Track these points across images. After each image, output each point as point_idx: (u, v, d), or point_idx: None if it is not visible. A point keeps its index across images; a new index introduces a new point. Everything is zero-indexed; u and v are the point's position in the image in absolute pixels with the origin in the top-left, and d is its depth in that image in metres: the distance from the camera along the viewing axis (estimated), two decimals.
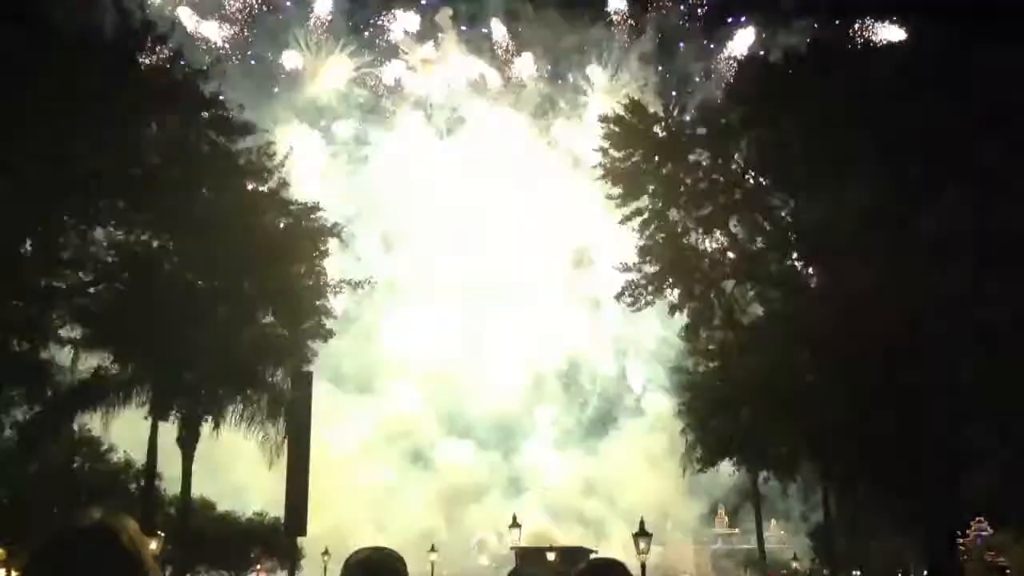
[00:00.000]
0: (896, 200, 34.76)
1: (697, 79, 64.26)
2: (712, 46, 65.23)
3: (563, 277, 74.55)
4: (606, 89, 70.45)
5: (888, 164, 35.08)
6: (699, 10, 67.60)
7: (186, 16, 63.80)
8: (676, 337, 63.50)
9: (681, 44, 69.02)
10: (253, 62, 68.54)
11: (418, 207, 73.01)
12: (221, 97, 38.75)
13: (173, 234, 38.45)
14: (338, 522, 53.05)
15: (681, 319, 42.28)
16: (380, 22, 72.12)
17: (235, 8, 68.77)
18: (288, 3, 71.36)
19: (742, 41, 63.54)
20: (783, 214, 39.23)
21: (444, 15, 73.77)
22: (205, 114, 38.31)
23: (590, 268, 73.27)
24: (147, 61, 36.71)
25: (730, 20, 64.87)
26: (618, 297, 40.26)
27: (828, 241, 36.63)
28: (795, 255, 39.51)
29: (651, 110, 42.40)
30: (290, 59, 70.56)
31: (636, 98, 44.49)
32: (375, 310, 69.12)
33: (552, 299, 73.29)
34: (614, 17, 71.63)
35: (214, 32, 65.82)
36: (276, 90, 70.32)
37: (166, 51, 37.15)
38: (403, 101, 73.61)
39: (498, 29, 73.10)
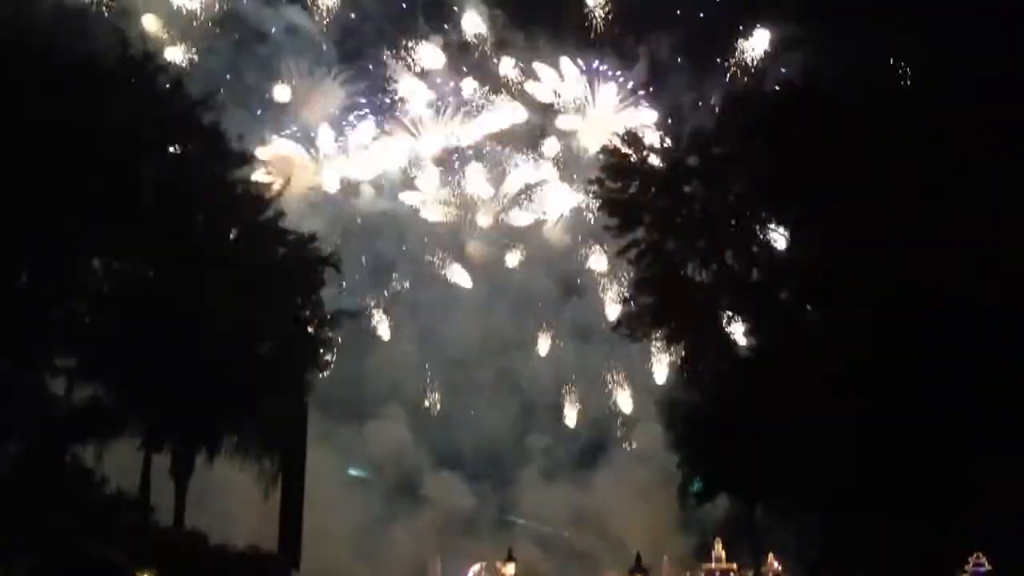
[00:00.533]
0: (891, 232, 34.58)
1: (700, 103, 64.12)
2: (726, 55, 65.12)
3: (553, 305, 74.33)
4: (598, 118, 70.42)
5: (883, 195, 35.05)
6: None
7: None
8: (668, 367, 64.18)
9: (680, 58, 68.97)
10: (228, 76, 67.49)
11: (410, 233, 73.02)
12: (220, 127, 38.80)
13: (169, 264, 38.29)
14: (330, 554, 52.67)
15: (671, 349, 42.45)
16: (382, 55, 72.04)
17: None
18: (274, 29, 71.11)
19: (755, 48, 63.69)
20: (779, 247, 39.30)
21: (436, 42, 73.65)
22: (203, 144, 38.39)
23: (581, 296, 73.24)
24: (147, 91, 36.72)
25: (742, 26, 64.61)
26: (615, 328, 40.36)
27: (823, 275, 36.80)
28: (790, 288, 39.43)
29: (645, 138, 42.68)
30: (281, 92, 70.30)
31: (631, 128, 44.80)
32: (365, 337, 68.71)
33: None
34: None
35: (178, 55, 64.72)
36: (260, 112, 69.63)
37: (165, 82, 37.22)
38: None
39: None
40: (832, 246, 35.96)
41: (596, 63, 71.62)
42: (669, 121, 59.26)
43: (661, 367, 64.37)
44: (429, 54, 72.61)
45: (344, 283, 61.07)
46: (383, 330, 71.32)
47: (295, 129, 70.55)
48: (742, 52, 64.73)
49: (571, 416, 71.27)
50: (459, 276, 72.77)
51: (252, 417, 39.99)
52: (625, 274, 54.86)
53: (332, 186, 70.20)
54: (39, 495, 34.72)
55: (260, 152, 59.68)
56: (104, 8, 58.61)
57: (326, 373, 43.47)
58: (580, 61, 71.64)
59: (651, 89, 69.69)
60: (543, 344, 72.62)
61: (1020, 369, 30.73)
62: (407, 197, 72.26)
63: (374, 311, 67.99)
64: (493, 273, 73.15)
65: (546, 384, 71.62)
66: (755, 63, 63.80)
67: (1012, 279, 31.13)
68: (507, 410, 70.07)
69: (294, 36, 70.95)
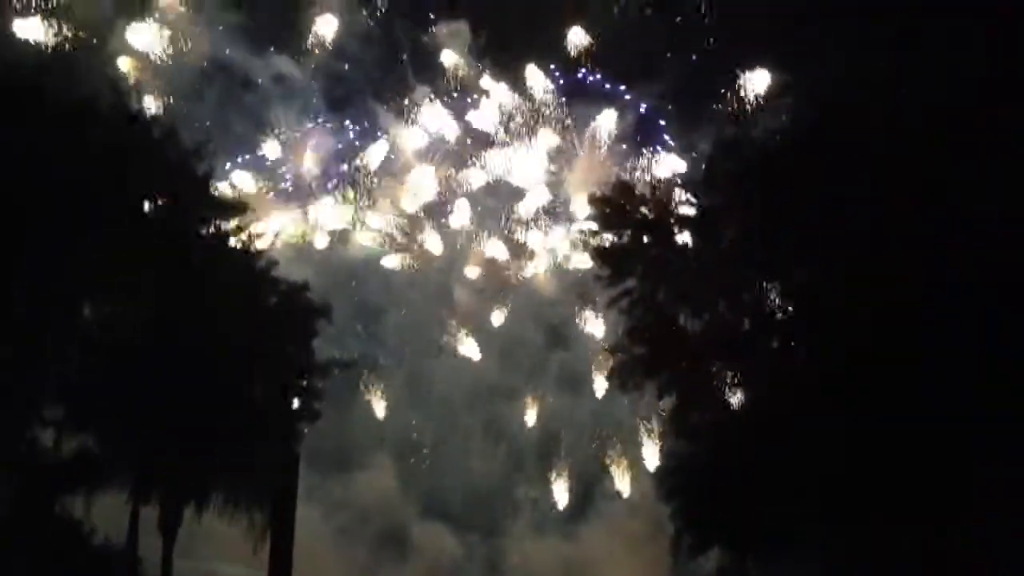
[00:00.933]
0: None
1: (694, 154, 64.51)
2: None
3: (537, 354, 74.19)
4: (587, 167, 70.72)
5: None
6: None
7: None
8: (655, 416, 63.99)
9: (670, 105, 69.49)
10: (209, 123, 67.38)
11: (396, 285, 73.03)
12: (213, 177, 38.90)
13: (161, 313, 38.09)
14: None
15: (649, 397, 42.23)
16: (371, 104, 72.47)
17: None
18: (260, 80, 71.37)
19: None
20: (771, 296, 39.28)
21: (422, 92, 73.98)
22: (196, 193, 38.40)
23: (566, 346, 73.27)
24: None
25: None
26: (608, 379, 40.25)
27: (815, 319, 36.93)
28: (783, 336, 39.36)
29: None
30: (271, 148, 70.53)
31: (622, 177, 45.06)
32: (350, 386, 68.41)
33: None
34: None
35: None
36: (241, 159, 69.74)
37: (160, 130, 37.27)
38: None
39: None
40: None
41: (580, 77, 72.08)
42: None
43: (651, 453, 64.13)
44: (417, 103, 72.99)
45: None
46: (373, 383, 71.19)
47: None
48: (731, 98, 65.15)
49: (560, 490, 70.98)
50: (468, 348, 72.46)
51: (242, 469, 39.67)
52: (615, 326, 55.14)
53: (321, 240, 70.23)
54: (27, 546, 34.45)
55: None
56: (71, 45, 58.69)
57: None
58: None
59: (639, 137, 70.06)
60: (531, 408, 72.52)
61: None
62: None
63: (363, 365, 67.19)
64: (481, 322, 73.26)
65: (535, 434, 71.60)
66: (745, 109, 64.14)
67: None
68: (496, 460, 70.09)
69: (282, 85, 71.25)
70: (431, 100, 72.99)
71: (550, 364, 73.42)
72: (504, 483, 70.17)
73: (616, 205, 40.87)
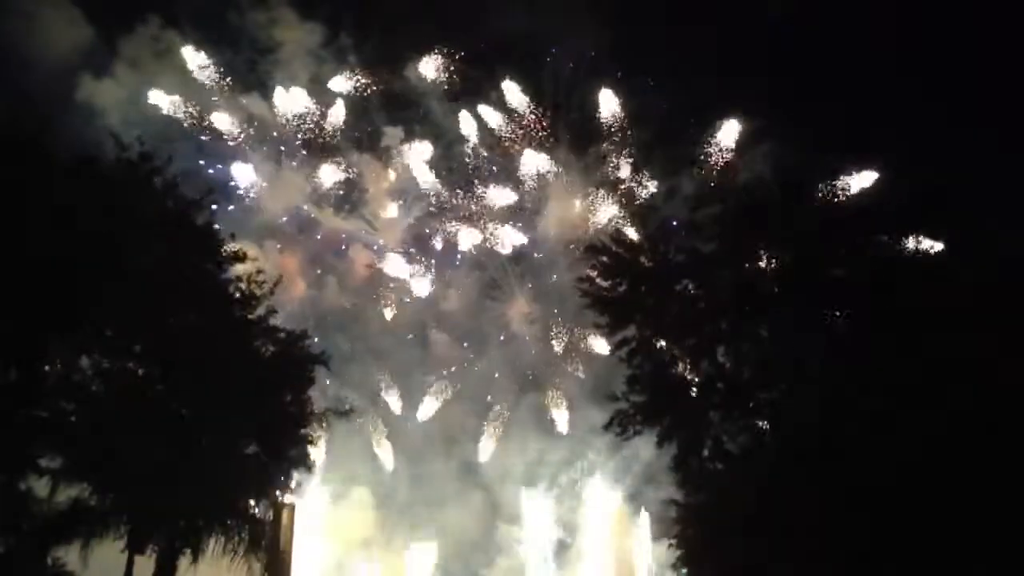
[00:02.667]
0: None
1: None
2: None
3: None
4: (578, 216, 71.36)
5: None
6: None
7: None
8: (633, 460, 64.39)
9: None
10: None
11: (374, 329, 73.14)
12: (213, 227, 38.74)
13: (159, 362, 37.82)
14: None
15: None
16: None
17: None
18: (237, 126, 71.41)
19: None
20: (769, 344, 39.65)
21: (394, 134, 74.34)
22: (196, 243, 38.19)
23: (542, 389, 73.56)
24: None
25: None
26: (607, 427, 40.33)
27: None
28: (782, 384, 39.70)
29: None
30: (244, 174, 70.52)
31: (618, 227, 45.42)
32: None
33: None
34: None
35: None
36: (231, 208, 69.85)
37: (162, 181, 37.08)
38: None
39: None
40: None
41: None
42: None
43: None
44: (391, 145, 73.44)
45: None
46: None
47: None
48: (711, 145, 66.04)
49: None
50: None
51: (239, 517, 39.37)
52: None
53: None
54: None
55: None
56: None
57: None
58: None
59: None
60: (503, 442, 72.69)
61: None
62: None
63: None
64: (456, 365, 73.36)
65: (512, 478, 71.63)
66: (725, 156, 65.07)
67: None
68: (474, 504, 70.02)
69: (257, 130, 71.38)
70: (404, 142, 73.35)
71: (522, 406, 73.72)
72: (485, 526, 70.13)
73: (614, 254, 41.17)
